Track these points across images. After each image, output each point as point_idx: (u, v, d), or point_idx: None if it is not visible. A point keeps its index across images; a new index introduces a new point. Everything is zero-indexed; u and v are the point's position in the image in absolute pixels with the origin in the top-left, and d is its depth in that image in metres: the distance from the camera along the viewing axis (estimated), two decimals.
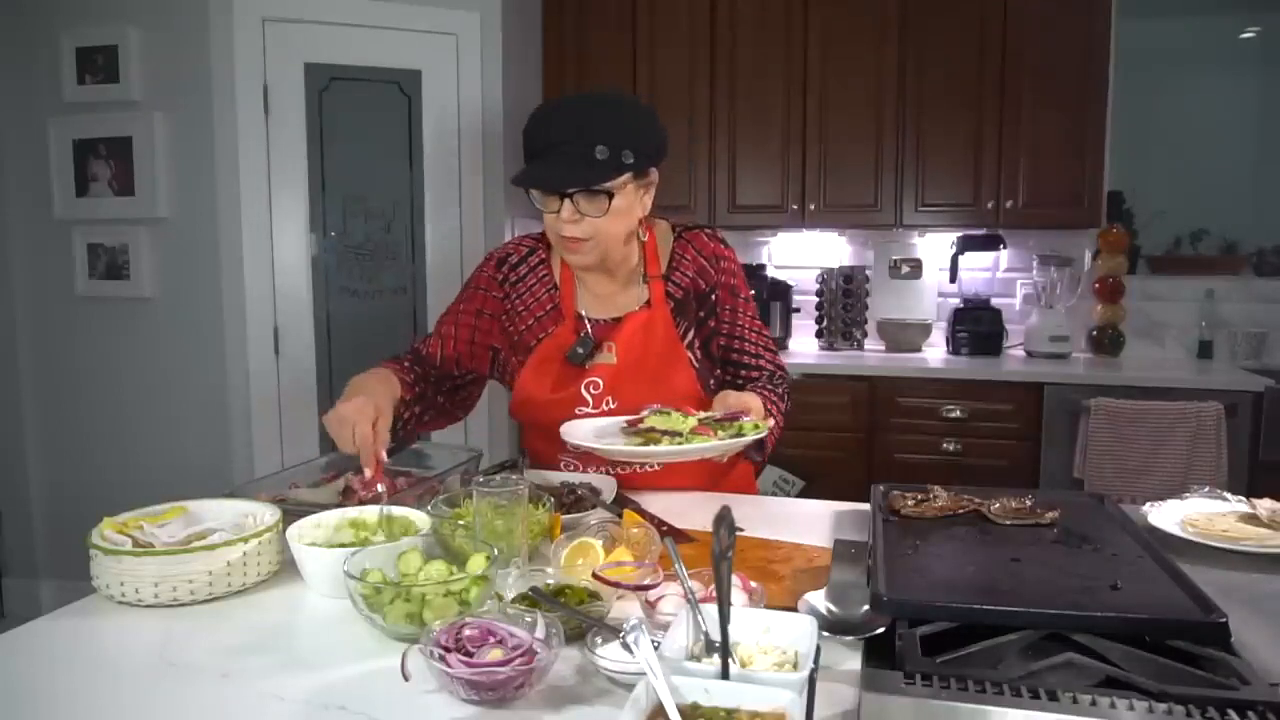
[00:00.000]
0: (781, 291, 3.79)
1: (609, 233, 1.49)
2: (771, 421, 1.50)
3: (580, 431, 1.43)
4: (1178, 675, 0.81)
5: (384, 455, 1.31)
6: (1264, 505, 1.32)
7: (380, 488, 1.29)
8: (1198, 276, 3.71)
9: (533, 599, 1.00)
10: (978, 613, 0.90)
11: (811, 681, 0.77)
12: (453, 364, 1.65)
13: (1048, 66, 3.39)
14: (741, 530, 1.30)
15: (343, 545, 1.15)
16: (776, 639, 0.87)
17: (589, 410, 1.56)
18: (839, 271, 3.77)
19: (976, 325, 3.65)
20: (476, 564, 1.04)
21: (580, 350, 1.56)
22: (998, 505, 1.24)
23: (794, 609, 1.01)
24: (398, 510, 1.24)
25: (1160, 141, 4.85)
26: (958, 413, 3.28)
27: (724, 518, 0.83)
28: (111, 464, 3.27)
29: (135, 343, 3.23)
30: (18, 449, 3.37)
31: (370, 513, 1.24)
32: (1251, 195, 4.91)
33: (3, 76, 3.21)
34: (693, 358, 1.61)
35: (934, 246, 3.84)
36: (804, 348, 3.84)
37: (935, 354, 3.74)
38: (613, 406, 1.55)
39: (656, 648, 0.80)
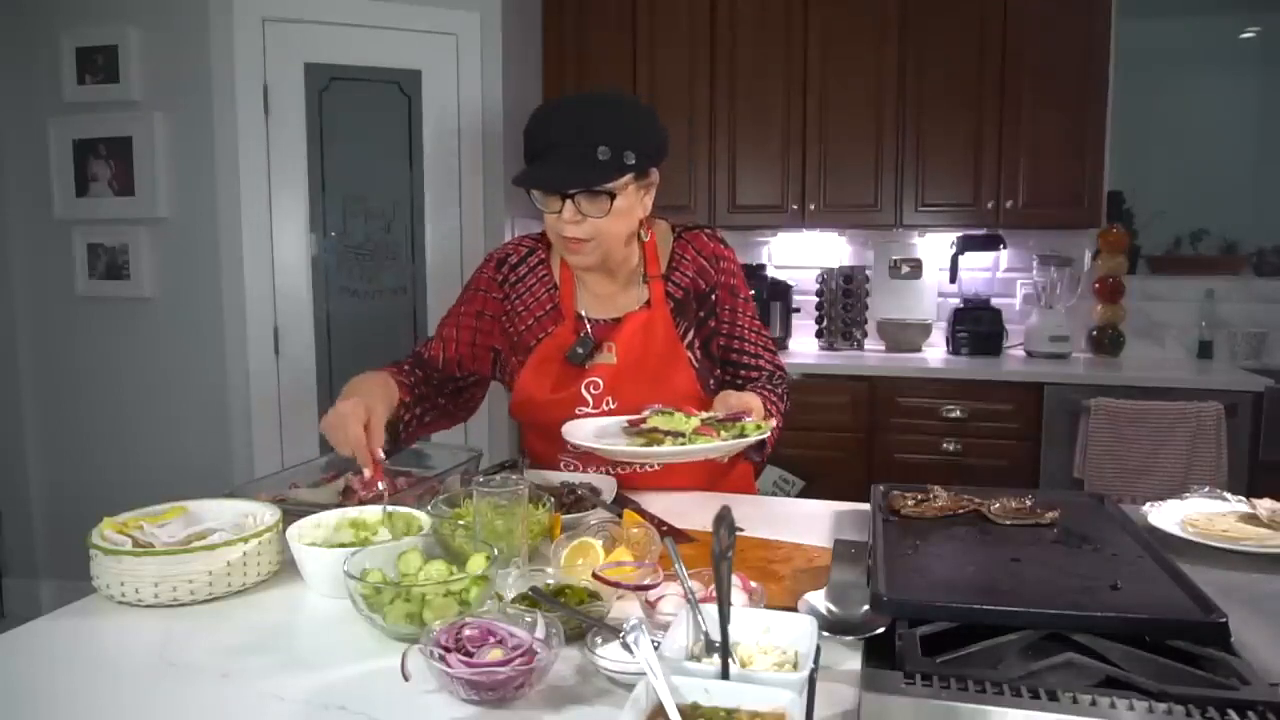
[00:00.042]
0: (781, 291, 3.79)
1: (610, 233, 1.49)
2: (774, 422, 1.50)
3: (582, 432, 1.43)
4: (1178, 675, 0.81)
5: (380, 454, 1.31)
6: (1264, 505, 1.32)
7: (380, 486, 1.28)
8: (1198, 276, 3.71)
9: (533, 599, 1.00)
10: (978, 613, 0.90)
11: (811, 681, 0.77)
12: (454, 366, 1.65)
13: (1048, 66, 3.39)
14: (741, 530, 1.30)
15: (343, 545, 1.15)
16: (776, 639, 0.87)
17: (589, 410, 1.56)
18: (839, 271, 3.77)
19: (976, 325, 3.65)
20: (476, 564, 1.04)
21: (580, 350, 1.56)
22: (998, 505, 1.24)
23: (794, 609, 1.01)
24: (398, 512, 1.24)
25: (1160, 141, 4.85)
26: (958, 413, 3.28)
27: (724, 518, 0.83)
28: (111, 464, 3.27)
29: (135, 343, 3.23)
30: (18, 449, 3.37)
31: (370, 513, 1.24)
32: (1251, 195, 4.91)
33: (3, 76, 3.21)
34: (692, 358, 1.61)
35: (934, 246, 3.84)
36: (804, 348, 3.84)
37: (935, 354, 3.74)
38: (613, 406, 1.55)
39: (656, 648, 0.80)
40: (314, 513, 1.23)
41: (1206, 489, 1.43)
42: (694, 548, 1.25)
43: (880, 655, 0.88)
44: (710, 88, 3.68)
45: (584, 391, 1.56)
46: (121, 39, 3.07)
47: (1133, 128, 4.17)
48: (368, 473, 1.31)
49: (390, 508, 1.24)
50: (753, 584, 1.02)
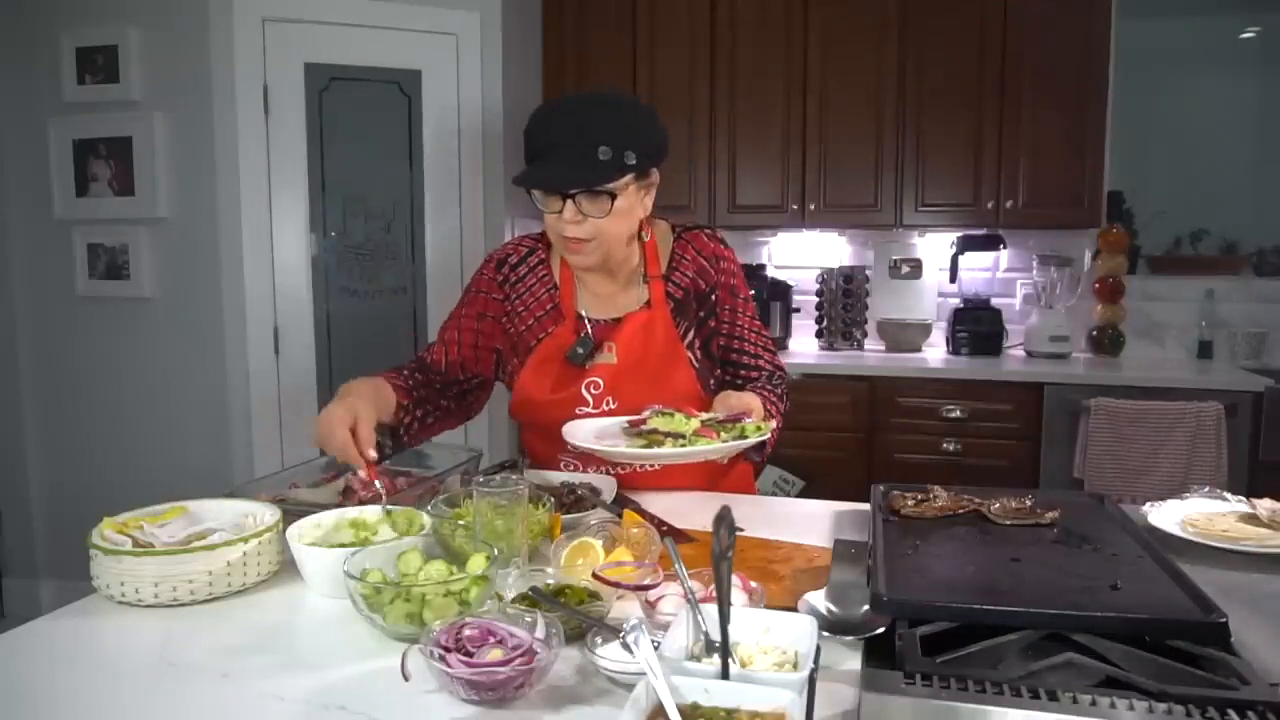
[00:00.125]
0: (781, 291, 3.79)
1: (611, 233, 1.49)
2: (774, 423, 1.50)
3: (582, 432, 1.43)
4: (1178, 675, 0.81)
5: (371, 454, 1.31)
6: (1264, 505, 1.32)
7: (378, 484, 1.29)
8: (1198, 276, 3.71)
9: (533, 599, 1.00)
10: (978, 613, 0.90)
11: (811, 681, 0.77)
12: (458, 369, 1.65)
13: (1048, 66, 3.39)
14: (741, 530, 1.30)
15: (343, 545, 1.15)
16: (776, 639, 0.87)
17: (589, 410, 1.56)
18: (839, 271, 3.77)
19: (976, 325, 3.65)
20: (476, 564, 1.04)
21: (580, 350, 1.56)
22: (998, 505, 1.24)
23: (794, 609, 1.01)
24: (398, 509, 1.24)
25: (1160, 141, 4.85)
26: (958, 413, 3.28)
27: (724, 518, 0.83)
28: (111, 464, 3.27)
29: (135, 343, 3.23)
30: (18, 449, 3.37)
31: (370, 512, 1.24)
32: (1251, 195, 4.91)
33: (3, 76, 3.21)
34: (693, 358, 1.61)
35: (934, 246, 3.84)
36: (804, 348, 3.84)
37: (935, 354, 3.74)
38: (613, 406, 1.55)
39: (656, 648, 0.80)
40: (314, 513, 1.23)
41: (1206, 489, 1.43)
42: (694, 548, 1.25)
43: (880, 655, 0.88)
44: (710, 88, 3.68)
45: (584, 391, 1.56)
46: (121, 39, 3.07)
47: (1133, 128, 4.17)
48: (362, 474, 1.32)
49: (389, 506, 1.24)
50: (753, 584, 1.02)
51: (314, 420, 1.35)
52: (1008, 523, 1.21)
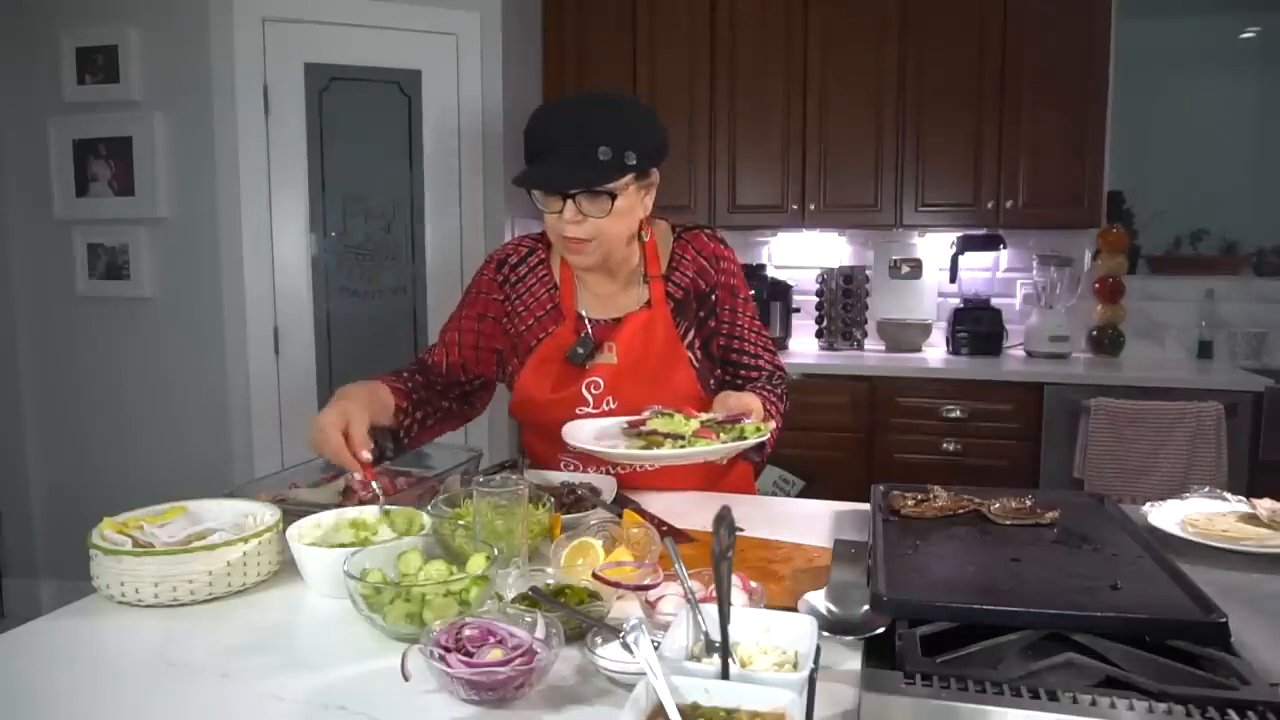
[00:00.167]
0: (781, 291, 3.79)
1: (611, 233, 1.49)
2: (773, 423, 1.50)
3: (582, 433, 1.43)
4: (1178, 675, 0.81)
5: (366, 456, 1.31)
6: (1264, 505, 1.32)
7: (375, 485, 1.29)
8: (1198, 276, 3.71)
9: (533, 599, 1.00)
10: (978, 613, 0.90)
11: (811, 681, 0.77)
12: (459, 371, 1.65)
13: (1048, 66, 3.39)
14: (741, 530, 1.30)
15: (342, 545, 1.15)
16: (776, 639, 0.87)
17: (589, 410, 1.56)
18: (839, 271, 3.77)
19: (976, 325, 3.65)
20: (476, 564, 1.04)
21: (580, 350, 1.56)
22: (998, 505, 1.24)
23: (794, 609, 1.01)
24: (397, 509, 1.24)
25: (1160, 141, 4.85)
26: (958, 413, 3.28)
27: (724, 518, 0.83)
28: (111, 464, 3.27)
29: (135, 343, 3.23)
30: (18, 449, 3.37)
31: (370, 512, 1.24)
32: (1251, 195, 4.91)
33: (3, 76, 3.21)
34: (693, 358, 1.61)
35: (934, 246, 3.84)
36: (804, 348, 3.84)
37: (935, 354, 3.74)
38: (613, 406, 1.55)
39: (656, 648, 0.80)
40: (314, 513, 1.23)
41: (1206, 489, 1.43)
42: (694, 548, 1.25)
43: (880, 655, 0.88)
44: (710, 88, 3.68)
45: (584, 391, 1.56)
46: (121, 39, 3.07)
47: (1133, 128, 4.17)
48: (358, 475, 1.32)
49: (388, 507, 1.24)
50: (753, 584, 1.02)
51: (310, 424, 1.35)
52: (1008, 523, 1.21)
